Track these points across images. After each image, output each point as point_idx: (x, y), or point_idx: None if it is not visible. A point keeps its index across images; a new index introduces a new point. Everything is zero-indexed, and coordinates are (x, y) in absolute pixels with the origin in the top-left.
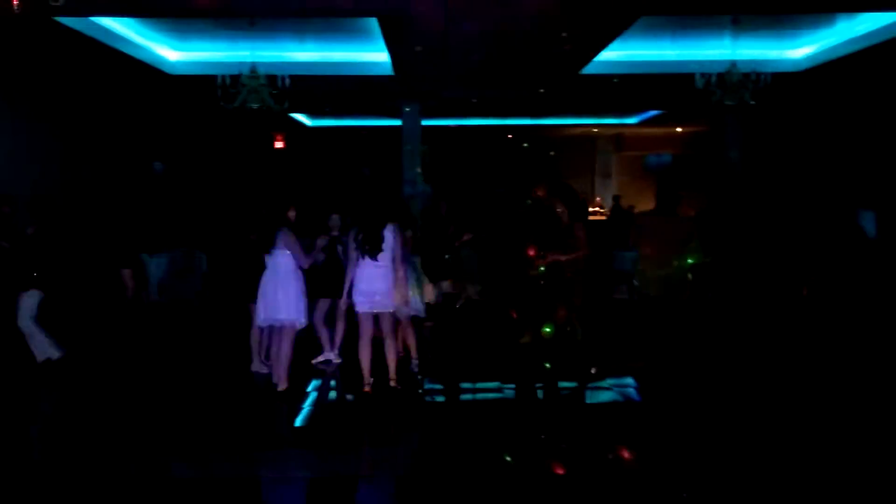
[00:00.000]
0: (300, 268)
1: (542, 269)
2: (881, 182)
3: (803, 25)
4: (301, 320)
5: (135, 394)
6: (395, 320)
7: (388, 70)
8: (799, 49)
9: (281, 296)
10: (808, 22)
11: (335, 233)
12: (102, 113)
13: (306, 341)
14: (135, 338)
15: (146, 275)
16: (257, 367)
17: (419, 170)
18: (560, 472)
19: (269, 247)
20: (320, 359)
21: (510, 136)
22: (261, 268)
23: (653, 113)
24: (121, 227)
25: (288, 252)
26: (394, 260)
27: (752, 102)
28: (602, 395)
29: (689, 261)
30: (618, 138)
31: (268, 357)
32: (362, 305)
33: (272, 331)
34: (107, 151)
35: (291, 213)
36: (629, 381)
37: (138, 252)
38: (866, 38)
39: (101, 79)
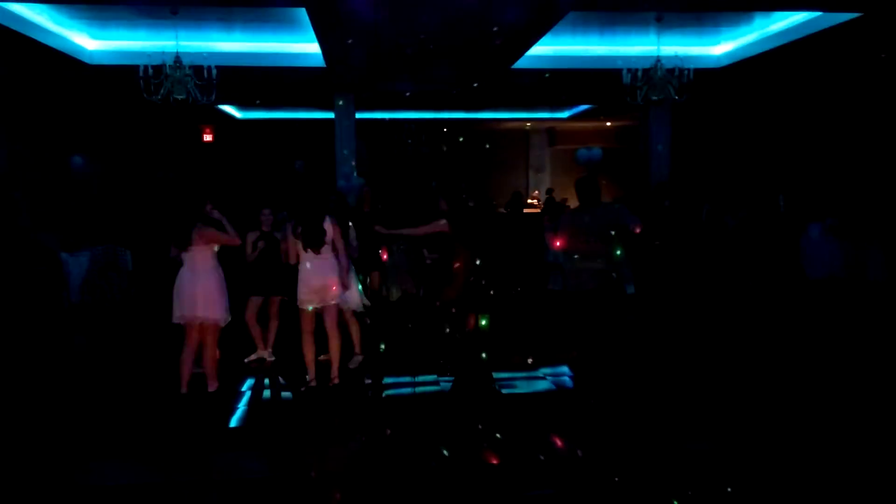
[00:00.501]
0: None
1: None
2: (794, 170)
3: (723, 23)
4: (223, 318)
5: (55, 399)
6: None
7: (320, 62)
8: (719, 46)
9: (199, 293)
10: (728, 20)
11: (266, 228)
12: (17, 105)
13: (240, 340)
14: (54, 341)
15: (65, 274)
16: (262, 354)
17: (354, 163)
18: (495, 461)
19: (186, 243)
20: (253, 357)
21: (445, 129)
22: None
23: (583, 107)
24: (37, 225)
25: (206, 248)
26: (336, 253)
27: (677, 97)
28: (539, 383)
29: (617, 253)
30: (550, 132)
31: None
32: (307, 302)
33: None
34: (22, 145)
35: (209, 208)
36: (564, 370)
37: (56, 250)
38: (781, 35)
39: (14, 69)
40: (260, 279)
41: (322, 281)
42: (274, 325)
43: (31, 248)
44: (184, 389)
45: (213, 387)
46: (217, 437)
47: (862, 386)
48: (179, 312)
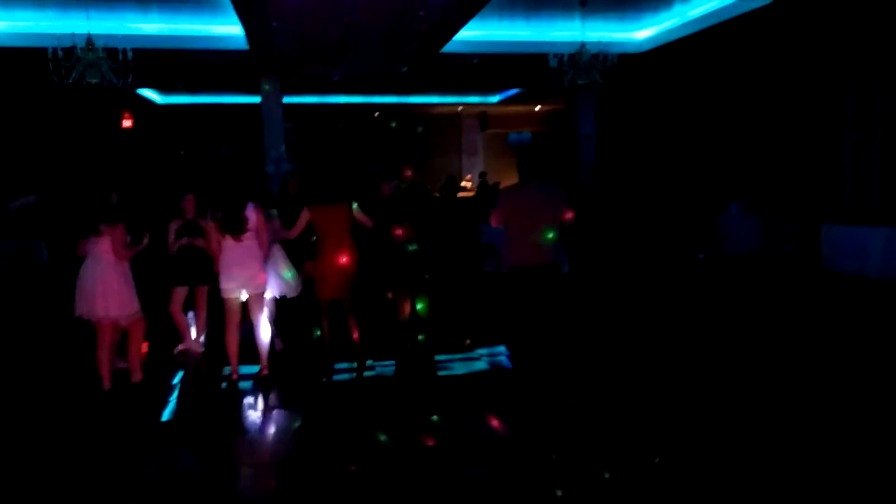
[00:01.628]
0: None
1: (412, 247)
2: (714, 151)
3: (644, 9)
4: (126, 315)
5: None
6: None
7: (244, 44)
8: (641, 31)
9: (100, 289)
10: (649, 5)
11: (189, 216)
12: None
13: (167, 331)
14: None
15: None
16: (189, 345)
17: (283, 148)
18: (431, 444)
19: (89, 235)
20: (181, 348)
21: (377, 113)
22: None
23: (513, 91)
24: None
25: (109, 240)
26: (258, 240)
27: (602, 82)
28: (475, 364)
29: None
30: (482, 117)
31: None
32: (231, 291)
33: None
34: None
35: (114, 198)
36: (500, 350)
37: None
38: (700, 21)
39: None
40: (184, 268)
41: (244, 271)
42: (202, 315)
43: None
44: (106, 385)
45: (136, 377)
46: (148, 431)
47: (780, 355)
48: (81, 308)
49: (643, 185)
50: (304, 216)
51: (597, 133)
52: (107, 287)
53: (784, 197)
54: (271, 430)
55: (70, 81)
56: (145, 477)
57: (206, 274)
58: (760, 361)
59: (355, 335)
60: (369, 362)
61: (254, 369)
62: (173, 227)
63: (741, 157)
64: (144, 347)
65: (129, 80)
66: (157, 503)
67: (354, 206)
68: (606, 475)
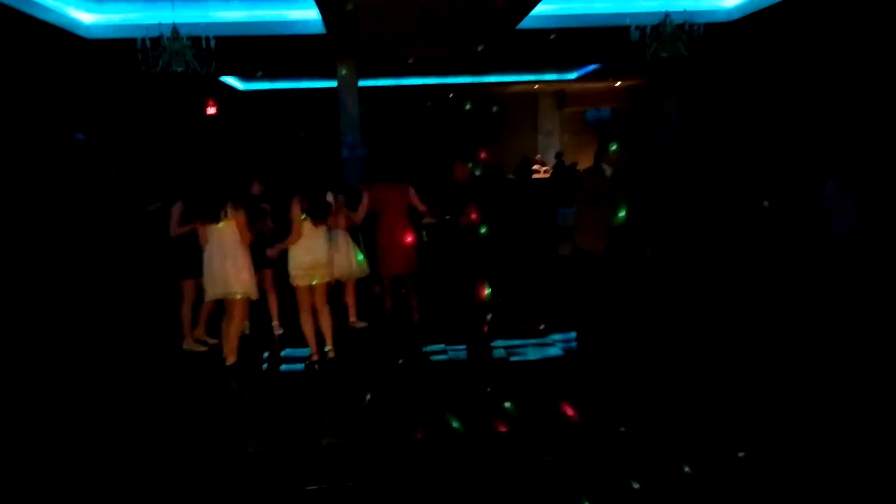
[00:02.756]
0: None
1: (484, 230)
2: (810, 127)
3: None
4: (254, 292)
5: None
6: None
7: (320, 28)
8: None
9: (230, 268)
10: None
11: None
12: (14, 83)
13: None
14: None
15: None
16: (190, 344)
17: (358, 132)
18: (504, 429)
19: (216, 219)
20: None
21: (451, 95)
22: (196, 241)
23: (592, 67)
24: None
25: (234, 224)
26: (333, 226)
27: (687, 54)
28: (549, 350)
29: (619, 216)
30: (559, 94)
31: (212, 332)
32: (303, 278)
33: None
34: (22, 123)
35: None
36: (573, 336)
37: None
38: None
39: (10, 45)
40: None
41: (318, 258)
42: (274, 299)
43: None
44: (231, 360)
45: (231, 360)
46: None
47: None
48: (214, 291)
49: (734, 163)
50: (365, 198)
51: (681, 109)
52: (237, 267)
53: (884, 176)
54: (342, 412)
55: (157, 70)
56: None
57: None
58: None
59: (416, 316)
60: (441, 346)
61: (305, 352)
62: (177, 210)
63: (840, 134)
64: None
65: (213, 67)
66: (257, 474)
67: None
68: (685, 468)
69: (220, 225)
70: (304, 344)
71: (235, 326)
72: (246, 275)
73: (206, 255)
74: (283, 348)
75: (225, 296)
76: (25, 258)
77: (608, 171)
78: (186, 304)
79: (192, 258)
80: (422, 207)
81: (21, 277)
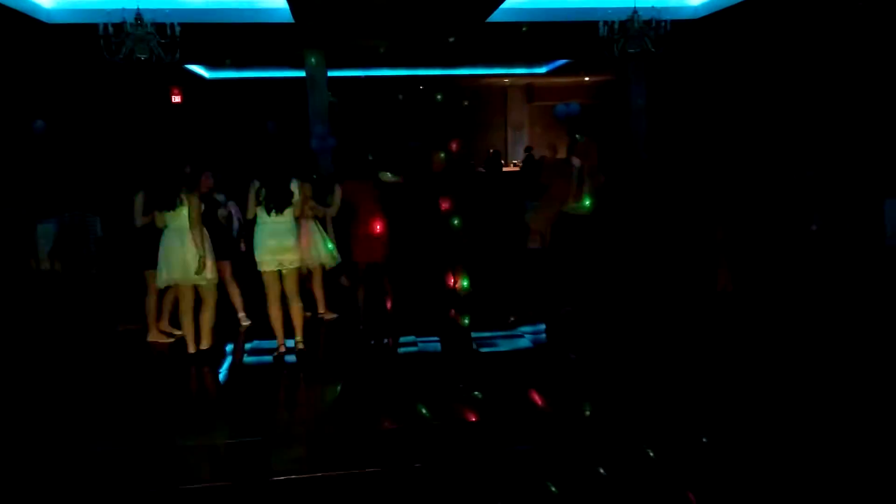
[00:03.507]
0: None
1: (455, 222)
2: (776, 125)
3: None
4: (215, 276)
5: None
6: (301, 276)
7: (288, 17)
8: None
9: (189, 254)
10: None
11: (205, 190)
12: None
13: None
14: (24, 309)
15: (34, 241)
16: (155, 336)
17: (327, 123)
18: (473, 419)
19: (171, 206)
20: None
21: (421, 87)
22: (156, 231)
23: (561, 62)
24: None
25: (187, 209)
26: (298, 215)
27: (654, 50)
28: (519, 342)
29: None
30: (528, 88)
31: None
32: (269, 264)
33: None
34: None
35: (188, 170)
36: (542, 328)
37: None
38: None
39: None
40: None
41: (283, 244)
42: (236, 290)
43: None
44: (191, 349)
45: (206, 344)
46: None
47: None
48: (167, 276)
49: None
50: (339, 192)
51: (649, 105)
52: (195, 253)
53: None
54: (313, 403)
55: (120, 57)
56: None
57: (227, 249)
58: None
59: (389, 304)
60: (411, 338)
61: (288, 343)
62: (139, 200)
63: (807, 132)
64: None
65: (177, 55)
66: (221, 469)
67: (388, 175)
68: (650, 453)
69: (176, 211)
70: (272, 335)
71: (209, 312)
72: (207, 260)
73: (162, 241)
74: (249, 340)
75: (182, 281)
76: None
77: (577, 163)
78: (151, 295)
79: (156, 248)
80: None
81: None
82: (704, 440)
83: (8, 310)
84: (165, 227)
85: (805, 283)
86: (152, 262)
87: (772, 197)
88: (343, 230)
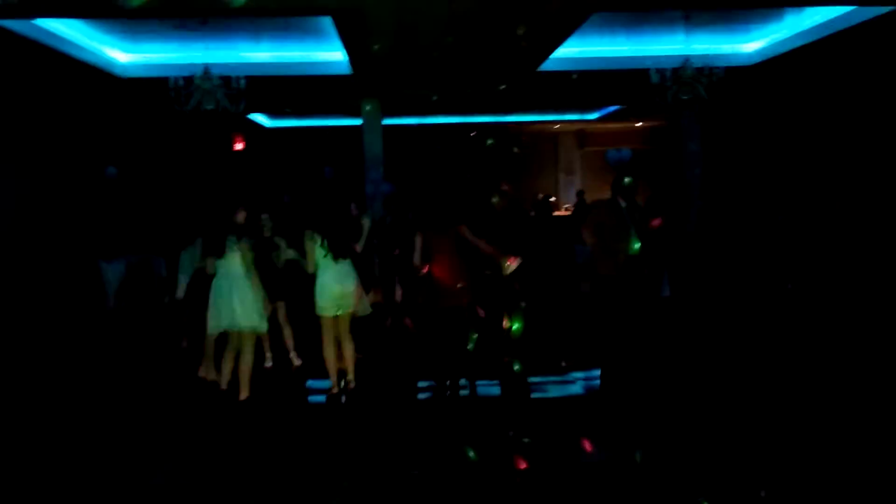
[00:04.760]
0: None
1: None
2: (831, 171)
3: (753, 20)
4: (263, 325)
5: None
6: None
7: (346, 69)
8: (750, 43)
9: (237, 301)
10: (758, 16)
11: (266, 234)
12: (52, 119)
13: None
14: (94, 345)
15: (103, 281)
16: (207, 372)
17: (381, 169)
18: (524, 466)
19: (220, 253)
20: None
21: (473, 133)
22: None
23: (613, 108)
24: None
25: (239, 256)
26: (354, 261)
27: (706, 97)
28: (570, 388)
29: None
30: (580, 134)
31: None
32: (331, 309)
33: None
34: (57, 158)
35: (241, 216)
36: (596, 373)
37: (94, 258)
38: (813, 31)
39: (48, 84)
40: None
41: (344, 289)
42: (287, 331)
43: (71, 257)
44: (244, 395)
45: (244, 395)
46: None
47: None
48: (217, 321)
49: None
50: (419, 241)
51: (703, 150)
52: (243, 300)
53: None
54: (365, 443)
55: (189, 109)
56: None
57: (282, 291)
58: None
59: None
60: (462, 381)
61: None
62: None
63: (862, 179)
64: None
65: (242, 105)
66: None
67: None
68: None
69: (226, 258)
70: (322, 375)
71: (246, 361)
72: (253, 308)
73: (212, 287)
74: (302, 379)
75: (229, 328)
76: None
77: (622, 203)
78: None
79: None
80: (488, 249)
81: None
82: (763, 495)
83: (77, 347)
84: (215, 273)
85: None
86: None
87: (834, 246)
88: (406, 275)
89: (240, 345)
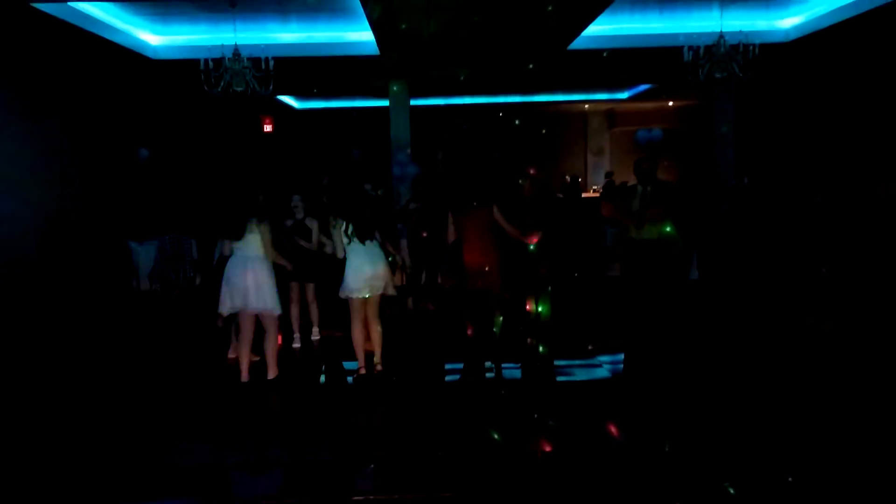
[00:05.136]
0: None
1: (533, 247)
2: (871, 150)
3: None
4: (277, 307)
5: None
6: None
7: (374, 49)
8: (787, 19)
9: (251, 282)
10: None
11: (299, 215)
12: (84, 100)
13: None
14: (126, 326)
15: (135, 263)
16: (233, 352)
17: (409, 151)
18: (549, 449)
19: (238, 236)
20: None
21: (501, 114)
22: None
23: (644, 87)
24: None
25: (258, 238)
26: (382, 243)
27: (741, 75)
28: (597, 371)
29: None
30: (610, 114)
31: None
32: (359, 291)
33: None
34: (90, 139)
35: (260, 199)
36: (622, 357)
37: (126, 240)
38: (852, 6)
39: (82, 66)
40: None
41: (373, 272)
42: (314, 310)
43: (103, 238)
44: (244, 378)
45: (272, 373)
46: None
47: None
48: (228, 303)
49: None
50: (451, 221)
51: (736, 130)
52: (258, 282)
53: None
54: (391, 424)
55: (219, 90)
56: (274, 462)
57: (312, 272)
58: None
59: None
60: (488, 364)
61: (353, 365)
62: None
63: None
64: (279, 342)
65: (271, 87)
66: (287, 487)
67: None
68: (730, 489)
69: (244, 240)
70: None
71: (272, 340)
72: (267, 290)
73: (228, 267)
74: (334, 360)
75: (243, 309)
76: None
77: (639, 188)
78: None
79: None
80: (514, 232)
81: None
82: (790, 479)
83: (109, 328)
84: (231, 254)
85: None
86: None
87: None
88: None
89: (251, 328)
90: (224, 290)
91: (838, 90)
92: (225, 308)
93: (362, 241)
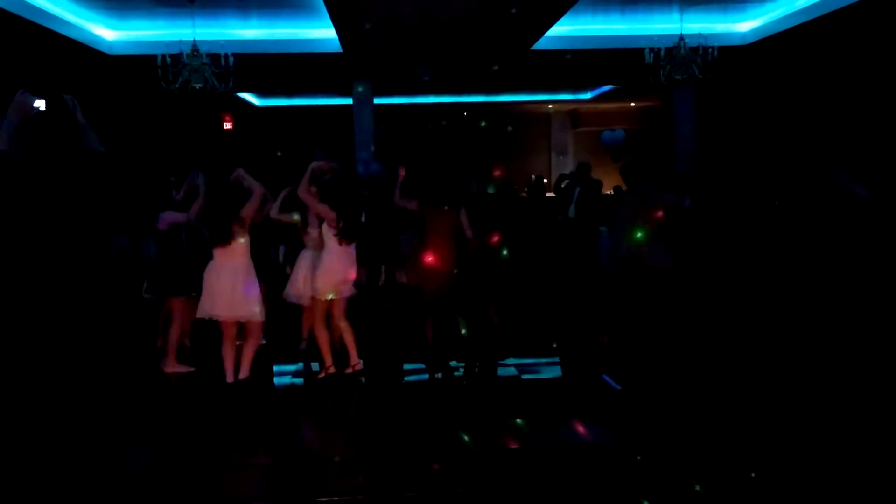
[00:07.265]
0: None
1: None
2: (826, 151)
3: None
4: (262, 313)
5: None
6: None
7: (337, 47)
8: (745, 23)
9: (237, 289)
10: None
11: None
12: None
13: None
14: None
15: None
16: (173, 367)
17: (372, 149)
18: (514, 446)
19: (227, 238)
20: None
21: (465, 113)
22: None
23: (606, 88)
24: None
25: (243, 243)
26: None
27: (701, 76)
28: (559, 369)
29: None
30: (573, 114)
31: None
32: (327, 293)
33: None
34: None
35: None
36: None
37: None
38: (809, 10)
39: (32, 61)
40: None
41: (345, 274)
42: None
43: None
44: (230, 379)
45: (244, 374)
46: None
47: None
48: (208, 308)
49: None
50: (413, 203)
51: (696, 131)
52: (238, 286)
53: None
54: (357, 424)
55: (177, 87)
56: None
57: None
58: None
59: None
60: (452, 363)
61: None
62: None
63: (858, 159)
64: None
65: (231, 84)
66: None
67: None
68: (697, 487)
69: (228, 246)
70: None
71: (253, 346)
72: (253, 296)
73: (209, 269)
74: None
75: (228, 318)
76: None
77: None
78: (176, 325)
79: (183, 273)
80: (470, 233)
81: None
82: (753, 475)
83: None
84: (211, 259)
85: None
86: (180, 288)
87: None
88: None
89: (235, 332)
90: (203, 295)
91: (794, 92)
92: (203, 312)
93: (341, 242)
